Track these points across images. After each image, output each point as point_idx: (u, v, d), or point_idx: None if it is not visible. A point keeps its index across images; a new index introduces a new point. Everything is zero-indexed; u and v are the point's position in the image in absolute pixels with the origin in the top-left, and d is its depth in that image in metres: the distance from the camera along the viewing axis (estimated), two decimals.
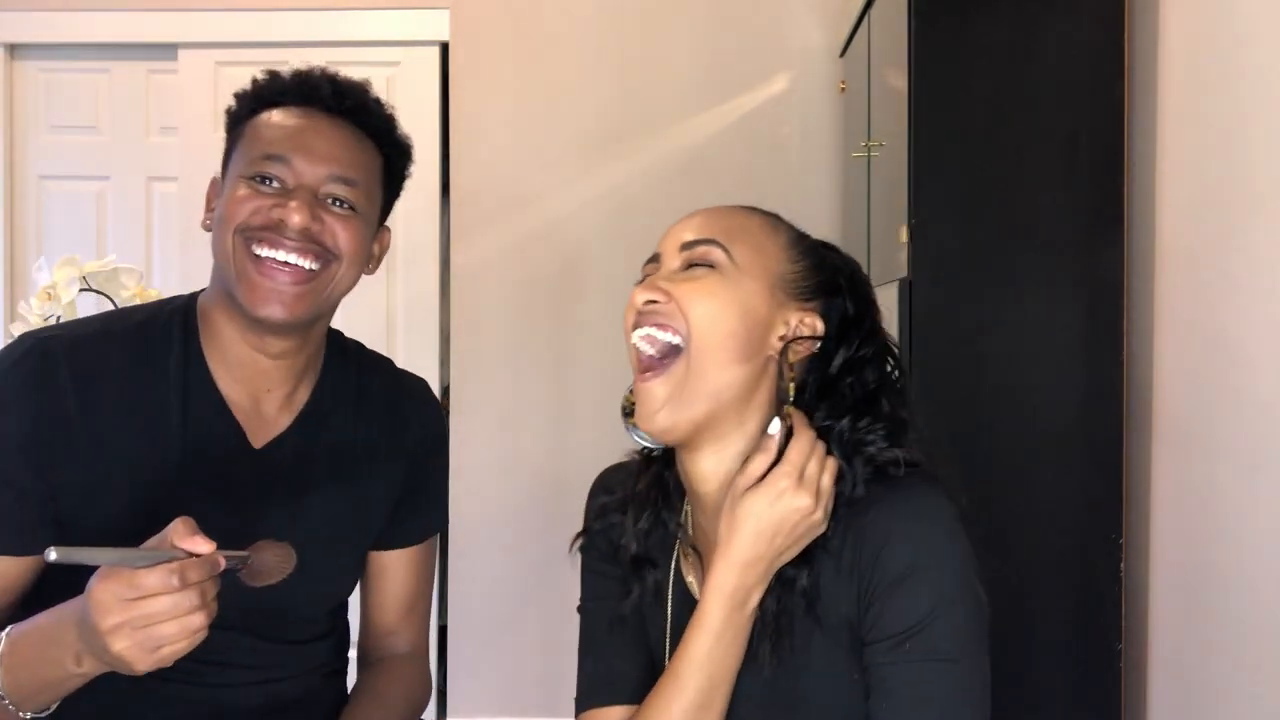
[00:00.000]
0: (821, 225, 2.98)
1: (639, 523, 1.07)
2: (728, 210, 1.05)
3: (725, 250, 0.99)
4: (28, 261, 3.30)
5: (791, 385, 0.99)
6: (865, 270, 1.10)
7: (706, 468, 1.01)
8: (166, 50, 3.25)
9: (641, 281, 1.02)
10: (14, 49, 3.34)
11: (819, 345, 1.02)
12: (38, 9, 3.27)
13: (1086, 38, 1.97)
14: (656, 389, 0.98)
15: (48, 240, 3.36)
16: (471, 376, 3.16)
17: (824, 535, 0.97)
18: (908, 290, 1.98)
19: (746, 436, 1.00)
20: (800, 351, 1.01)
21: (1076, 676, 1.96)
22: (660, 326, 0.98)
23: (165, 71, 3.30)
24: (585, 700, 1.09)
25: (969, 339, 1.99)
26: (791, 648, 0.97)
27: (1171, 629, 1.88)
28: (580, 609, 1.14)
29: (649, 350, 1.00)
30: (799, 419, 0.98)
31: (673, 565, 1.07)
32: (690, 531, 1.07)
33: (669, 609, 1.06)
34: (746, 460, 0.98)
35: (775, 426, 0.97)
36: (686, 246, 1.00)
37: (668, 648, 1.05)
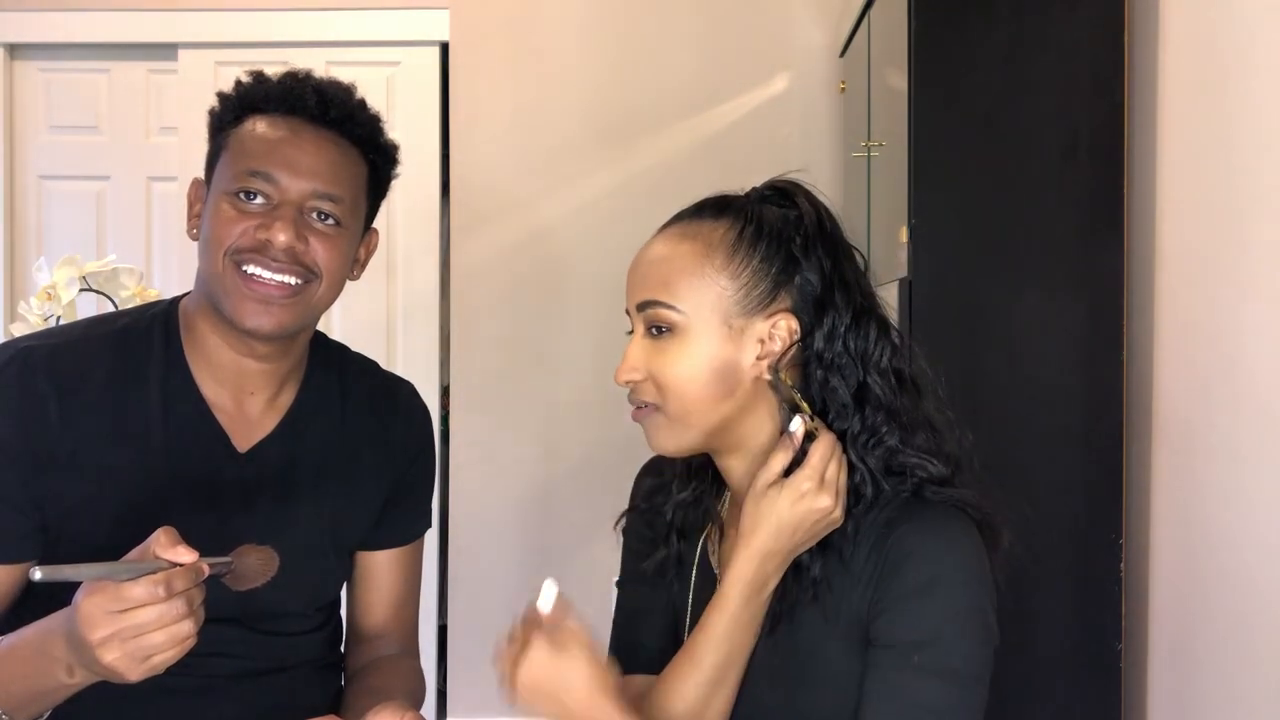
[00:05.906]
0: None
1: (682, 493, 1.14)
2: (664, 251, 1.04)
3: (671, 308, 1.01)
4: (28, 261, 3.30)
5: (795, 394, 1.02)
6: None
7: (731, 466, 1.08)
8: (166, 50, 3.25)
9: (630, 331, 1.07)
10: (14, 49, 3.33)
11: (800, 338, 1.02)
12: (38, 9, 3.26)
13: (1086, 38, 1.97)
14: (651, 426, 1.05)
15: (48, 240, 3.36)
16: (471, 376, 3.16)
17: (840, 532, 1.01)
18: (908, 290, 1.98)
19: (764, 439, 1.04)
20: (785, 354, 1.02)
21: (1077, 676, 1.96)
22: (642, 396, 1.05)
23: (165, 71, 3.30)
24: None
25: (969, 339, 1.99)
26: (790, 630, 1.01)
27: (1171, 629, 1.88)
28: (617, 584, 1.20)
29: (636, 407, 1.06)
30: (819, 420, 1.02)
31: (700, 544, 1.13)
32: (724, 515, 1.13)
33: (692, 584, 1.12)
34: (770, 456, 1.02)
35: (796, 424, 1.01)
36: (641, 308, 1.04)
37: (688, 622, 1.10)
